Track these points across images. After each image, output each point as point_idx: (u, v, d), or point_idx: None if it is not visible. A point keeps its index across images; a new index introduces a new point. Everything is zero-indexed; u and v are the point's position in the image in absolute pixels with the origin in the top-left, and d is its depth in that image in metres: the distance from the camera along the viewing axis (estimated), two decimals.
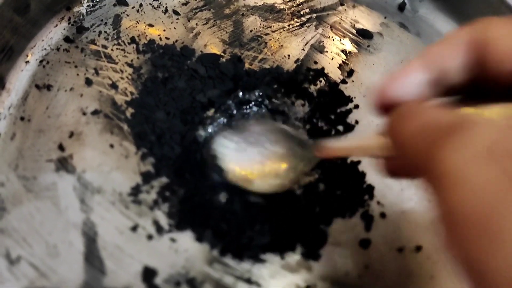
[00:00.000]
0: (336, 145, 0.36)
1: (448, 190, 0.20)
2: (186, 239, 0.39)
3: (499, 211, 0.19)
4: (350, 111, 0.46)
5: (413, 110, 0.25)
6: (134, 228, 0.39)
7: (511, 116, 0.25)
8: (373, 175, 0.43)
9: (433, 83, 0.27)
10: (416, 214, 0.42)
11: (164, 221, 0.40)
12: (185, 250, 0.39)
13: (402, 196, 0.43)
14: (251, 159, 0.41)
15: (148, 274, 0.38)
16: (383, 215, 0.42)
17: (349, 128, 0.45)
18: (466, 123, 0.21)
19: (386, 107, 0.28)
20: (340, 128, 0.45)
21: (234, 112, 0.44)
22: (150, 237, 0.39)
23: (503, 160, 0.19)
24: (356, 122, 0.46)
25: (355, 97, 0.46)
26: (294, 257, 0.40)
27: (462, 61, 0.26)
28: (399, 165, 0.30)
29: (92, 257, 0.38)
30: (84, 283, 0.37)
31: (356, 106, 0.46)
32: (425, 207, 0.43)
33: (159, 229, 0.39)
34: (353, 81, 0.47)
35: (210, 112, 0.44)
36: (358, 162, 0.44)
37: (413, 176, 0.29)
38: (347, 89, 0.47)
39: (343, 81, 0.47)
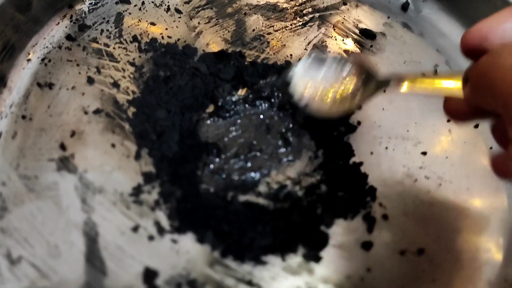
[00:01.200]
0: (415, 79, 0.35)
1: None
2: (187, 241, 0.39)
3: None
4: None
5: (509, 47, 0.25)
6: (135, 229, 0.39)
7: None
8: (375, 177, 0.43)
9: None
10: (419, 216, 0.42)
11: (165, 222, 0.39)
12: (187, 251, 0.39)
13: (404, 198, 0.43)
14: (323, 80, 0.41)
15: (149, 275, 0.38)
16: (385, 217, 0.42)
17: (351, 129, 0.45)
18: None
19: (474, 51, 0.28)
20: (342, 129, 0.45)
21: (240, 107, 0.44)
22: (151, 238, 0.39)
23: None
24: (358, 123, 0.45)
25: None
26: (295, 259, 0.40)
27: None
28: (463, 107, 0.30)
29: (93, 258, 0.38)
30: (85, 284, 0.37)
31: (359, 107, 0.46)
32: (428, 209, 0.42)
33: (160, 230, 0.39)
34: None
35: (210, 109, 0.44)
36: (360, 164, 0.44)
37: (478, 119, 0.30)
38: None
39: None
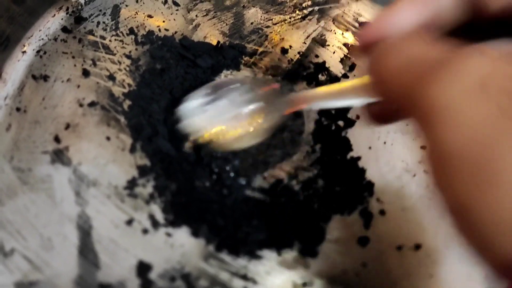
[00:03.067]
0: (314, 92, 0.34)
1: (438, 127, 0.19)
2: (181, 234, 0.39)
3: (494, 150, 0.17)
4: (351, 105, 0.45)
5: (398, 44, 0.23)
6: (130, 222, 0.39)
7: (505, 51, 0.23)
8: (373, 171, 0.43)
9: (425, 26, 0.25)
10: (416, 212, 0.42)
11: (159, 216, 0.39)
12: (181, 245, 0.38)
13: (402, 193, 0.42)
14: (218, 117, 0.39)
15: (143, 268, 0.37)
16: (382, 212, 0.41)
17: (350, 123, 0.44)
18: (456, 57, 0.20)
19: (371, 48, 0.25)
20: (341, 123, 0.44)
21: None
22: (145, 231, 0.39)
23: (498, 96, 0.18)
24: (357, 117, 0.45)
25: None
26: (291, 254, 0.39)
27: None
28: (384, 109, 0.28)
29: (87, 251, 0.38)
30: (78, 277, 0.37)
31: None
32: (426, 204, 0.42)
33: (155, 224, 0.39)
34: (354, 75, 0.47)
35: None
36: (358, 158, 0.43)
37: (398, 118, 0.28)
38: None
39: (345, 75, 0.46)
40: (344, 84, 0.31)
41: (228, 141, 0.39)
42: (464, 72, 0.19)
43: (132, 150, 0.41)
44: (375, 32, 0.25)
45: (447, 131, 0.18)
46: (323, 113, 0.44)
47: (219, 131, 0.39)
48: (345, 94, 0.31)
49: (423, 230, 0.41)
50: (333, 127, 0.44)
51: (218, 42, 0.46)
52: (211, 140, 0.39)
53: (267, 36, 0.48)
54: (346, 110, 0.45)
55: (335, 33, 0.49)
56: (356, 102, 0.31)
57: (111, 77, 0.44)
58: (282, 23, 0.49)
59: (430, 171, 0.20)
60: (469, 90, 0.18)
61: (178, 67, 0.45)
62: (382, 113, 0.29)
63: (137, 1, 0.48)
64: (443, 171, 0.19)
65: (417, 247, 0.40)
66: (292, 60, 0.47)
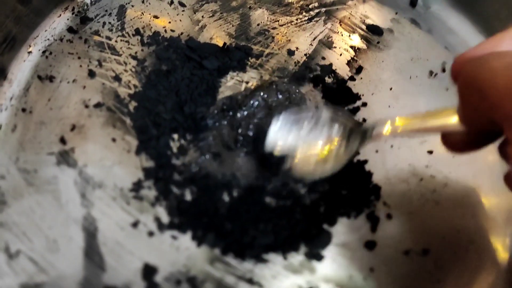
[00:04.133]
0: (403, 122, 0.33)
1: None
2: (187, 237, 0.39)
3: None
4: (358, 109, 0.45)
5: (502, 52, 0.24)
6: (135, 224, 0.39)
7: None
8: (380, 175, 0.42)
9: None
10: (423, 216, 0.41)
11: (165, 218, 0.39)
12: (187, 248, 0.38)
13: (409, 197, 0.42)
14: (304, 142, 0.39)
15: (149, 271, 0.37)
16: (389, 216, 0.41)
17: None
18: None
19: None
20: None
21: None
22: (151, 233, 0.38)
23: None
24: (364, 120, 0.44)
25: (363, 95, 0.45)
26: (297, 258, 0.39)
27: None
28: (465, 136, 0.29)
29: (92, 253, 0.38)
30: (83, 279, 0.37)
31: (364, 104, 0.45)
32: (433, 209, 0.42)
33: (161, 226, 0.39)
34: (361, 78, 0.46)
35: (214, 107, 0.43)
36: (365, 162, 0.43)
37: (479, 145, 0.28)
38: (355, 86, 0.46)
39: (351, 78, 0.46)
40: (429, 116, 0.31)
41: (312, 165, 0.38)
42: None
43: (138, 151, 0.41)
44: (476, 52, 0.26)
45: None
46: None
47: (307, 152, 0.38)
48: (431, 127, 0.31)
49: (430, 235, 0.41)
50: None
51: (224, 43, 0.46)
52: (298, 162, 0.39)
53: (273, 37, 0.47)
54: (352, 113, 0.45)
55: (342, 35, 0.49)
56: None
57: (117, 78, 0.44)
58: (289, 24, 0.48)
59: None
60: None
61: (184, 69, 0.44)
62: (463, 140, 0.29)
63: (143, 2, 0.48)
64: None
65: (425, 252, 0.40)
66: (298, 62, 0.46)
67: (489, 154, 0.44)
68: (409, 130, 0.33)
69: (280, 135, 0.39)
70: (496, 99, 0.23)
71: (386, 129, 0.34)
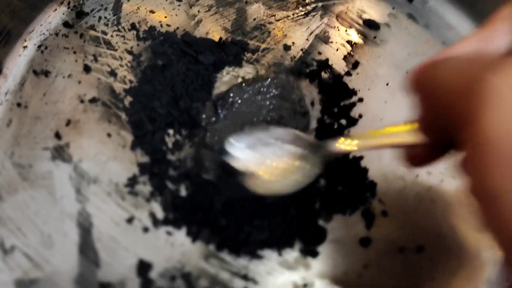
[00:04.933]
0: (359, 139, 0.34)
1: (486, 112, 0.20)
2: (182, 233, 0.39)
3: None
4: (354, 104, 0.45)
5: (453, 57, 0.25)
6: (130, 220, 0.39)
7: None
8: (376, 171, 0.42)
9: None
10: (419, 213, 0.41)
11: (160, 214, 0.39)
12: (181, 244, 0.38)
13: (404, 194, 0.42)
14: (265, 158, 0.39)
15: (143, 267, 0.37)
16: (384, 213, 0.41)
17: (352, 122, 0.44)
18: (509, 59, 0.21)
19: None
20: (343, 122, 0.44)
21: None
22: (146, 229, 0.38)
23: None
24: (360, 116, 0.44)
25: (359, 90, 0.45)
26: (292, 254, 0.39)
27: (506, 44, 0.26)
28: (424, 149, 0.29)
29: (87, 249, 0.38)
30: (78, 275, 0.37)
31: (361, 100, 0.45)
32: (428, 206, 0.42)
33: (156, 222, 0.39)
34: (358, 73, 0.46)
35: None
36: (361, 158, 0.43)
37: (437, 157, 0.29)
38: (352, 82, 0.45)
39: (348, 73, 0.46)
40: (386, 133, 0.32)
41: (269, 180, 0.38)
42: None
43: (133, 147, 0.41)
44: (429, 61, 0.26)
45: (496, 115, 0.20)
46: (326, 111, 0.44)
47: (264, 168, 0.38)
48: (389, 143, 0.31)
49: (425, 232, 0.41)
50: (336, 126, 0.44)
51: (220, 38, 0.46)
52: (256, 176, 0.38)
53: (269, 32, 0.47)
54: (348, 108, 0.44)
55: (338, 30, 0.48)
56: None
57: (113, 73, 0.44)
58: (285, 19, 0.48)
59: (470, 156, 0.21)
60: None
61: (180, 64, 0.44)
62: (422, 154, 0.29)
63: None
64: (483, 156, 0.20)
65: (419, 249, 0.40)
66: (294, 57, 0.46)
67: None
68: (366, 146, 0.34)
69: (242, 151, 0.39)
70: (448, 102, 0.23)
71: (339, 145, 0.35)
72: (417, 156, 0.30)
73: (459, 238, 0.41)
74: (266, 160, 0.38)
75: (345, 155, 0.42)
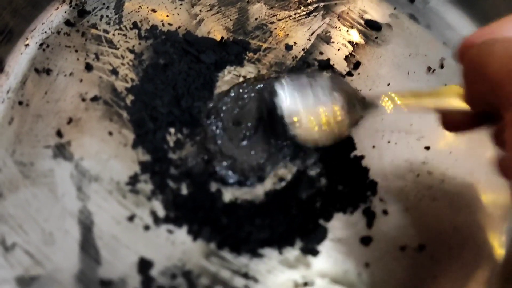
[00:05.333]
0: (403, 97, 0.34)
1: None
2: (183, 231, 0.39)
3: None
4: None
5: (506, 36, 0.25)
6: (131, 218, 0.39)
7: None
8: (376, 171, 0.42)
9: None
10: (420, 212, 0.41)
11: (161, 212, 0.39)
12: (182, 242, 0.38)
13: (405, 193, 0.42)
14: (309, 106, 0.39)
15: (144, 265, 0.37)
16: (385, 212, 0.41)
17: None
18: None
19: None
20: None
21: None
22: (147, 227, 0.38)
23: None
24: (361, 116, 0.44)
25: (361, 90, 0.45)
26: (292, 253, 0.39)
27: None
28: (464, 116, 0.30)
29: (88, 246, 0.38)
30: (79, 273, 0.37)
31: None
32: (429, 205, 0.42)
33: (157, 220, 0.39)
34: (359, 73, 0.46)
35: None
36: (362, 157, 0.43)
37: (475, 126, 0.29)
38: (353, 82, 0.46)
39: (349, 73, 0.46)
40: (432, 94, 0.31)
41: (316, 132, 0.38)
42: None
43: (134, 145, 0.41)
44: (483, 35, 0.27)
45: None
46: None
47: (313, 118, 0.38)
48: (433, 105, 0.31)
49: (426, 231, 0.41)
50: None
51: (222, 37, 0.46)
52: (307, 128, 0.38)
53: (271, 32, 0.47)
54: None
55: (340, 30, 0.48)
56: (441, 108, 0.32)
57: (114, 72, 0.44)
58: (287, 19, 0.48)
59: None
60: None
61: (182, 63, 0.44)
62: (461, 120, 0.30)
63: None
64: None
65: (421, 247, 0.40)
66: (296, 57, 0.46)
67: (487, 151, 0.44)
68: (410, 104, 0.34)
69: (288, 101, 0.39)
70: (496, 81, 0.24)
71: (387, 100, 0.35)
72: (456, 121, 0.30)
73: (460, 237, 0.41)
74: (310, 107, 0.38)
75: (346, 154, 0.42)
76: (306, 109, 0.38)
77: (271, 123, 0.41)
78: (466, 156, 0.44)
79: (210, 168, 0.41)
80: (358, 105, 0.38)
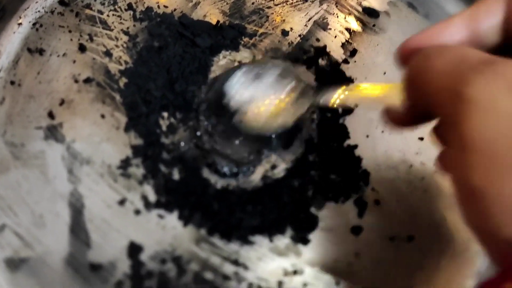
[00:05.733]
0: (346, 92, 0.35)
1: (471, 115, 0.21)
2: (174, 217, 0.39)
3: None
4: None
5: (443, 48, 0.25)
6: (122, 202, 0.39)
7: None
8: (369, 161, 0.42)
9: (468, 44, 0.27)
10: (411, 203, 0.41)
11: (152, 197, 0.39)
12: (173, 227, 0.38)
13: (397, 184, 0.42)
14: (258, 96, 0.40)
15: (134, 249, 0.37)
16: (377, 202, 0.41)
17: (348, 110, 0.44)
18: (498, 60, 0.22)
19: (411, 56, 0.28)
20: (339, 110, 0.44)
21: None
22: (137, 212, 0.38)
23: None
24: (356, 105, 0.44)
25: (356, 78, 0.45)
26: (283, 241, 0.39)
27: (499, 19, 0.26)
28: (408, 113, 0.29)
29: (78, 229, 0.38)
30: (68, 256, 0.37)
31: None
32: (420, 197, 0.42)
33: (147, 205, 0.39)
34: (355, 61, 0.46)
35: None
36: (355, 146, 0.43)
37: (419, 122, 0.29)
38: (349, 70, 0.45)
39: (345, 61, 0.46)
40: (380, 87, 0.32)
41: (266, 117, 0.39)
42: (505, 72, 0.21)
43: (127, 129, 0.41)
44: (421, 41, 0.28)
45: (480, 119, 0.21)
46: None
47: (260, 106, 0.39)
48: (379, 98, 0.32)
49: (416, 222, 0.41)
50: (331, 114, 0.44)
51: (218, 21, 0.45)
52: (253, 115, 0.39)
53: (268, 17, 0.47)
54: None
55: (337, 16, 0.48)
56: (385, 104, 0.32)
57: (108, 53, 0.43)
58: (284, 4, 0.47)
59: (454, 158, 0.23)
60: (507, 87, 0.21)
61: (177, 46, 0.44)
62: (405, 117, 0.30)
63: None
64: (468, 156, 0.21)
65: (410, 238, 0.40)
66: (292, 42, 0.46)
67: None
68: (355, 99, 0.35)
69: (237, 89, 0.40)
70: (434, 96, 0.24)
71: (335, 98, 0.35)
72: (398, 117, 0.30)
73: (450, 229, 0.41)
74: (258, 96, 0.39)
75: (339, 143, 0.42)
76: (252, 97, 0.39)
77: (218, 109, 0.41)
78: None
79: (204, 158, 0.41)
80: (309, 96, 0.39)
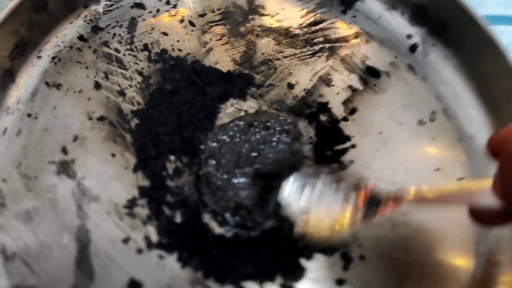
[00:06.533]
0: (429, 190, 0.33)
1: None
2: (173, 258, 0.41)
3: None
4: (346, 150, 0.47)
5: None
6: (126, 240, 0.41)
7: None
8: None
9: None
10: (395, 261, 0.44)
11: (155, 237, 0.41)
12: (172, 268, 0.41)
13: (382, 241, 0.45)
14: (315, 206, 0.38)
15: (134, 286, 0.40)
16: (362, 257, 0.44)
17: (342, 167, 0.46)
18: None
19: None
20: (334, 165, 0.46)
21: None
22: (140, 251, 0.41)
23: None
24: (351, 161, 0.46)
25: (353, 136, 0.47)
26: (272, 287, 0.42)
27: None
28: (495, 210, 0.28)
29: (83, 263, 0.40)
30: (72, 287, 0.39)
31: (353, 146, 0.47)
32: (404, 255, 0.44)
33: (149, 245, 0.41)
34: (354, 119, 0.48)
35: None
36: None
37: (508, 221, 0.28)
38: (347, 127, 0.48)
39: (345, 119, 0.48)
40: (468, 185, 0.31)
41: (326, 231, 0.38)
42: None
43: (135, 169, 0.43)
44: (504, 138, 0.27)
45: None
46: (319, 154, 0.46)
47: (319, 218, 0.38)
48: (461, 200, 0.31)
49: (398, 280, 0.43)
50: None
51: (228, 70, 0.47)
52: (310, 227, 0.38)
53: (276, 68, 0.49)
54: (341, 153, 0.47)
55: (341, 73, 0.50)
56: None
57: (122, 93, 0.45)
58: (292, 57, 0.50)
59: None
60: None
61: (187, 92, 0.46)
62: (495, 214, 0.29)
63: (154, 16, 0.49)
64: None
65: None
66: (297, 96, 0.48)
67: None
68: (436, 199, 0.33)
69: (293, 197, 0.39)
70: None
71: (407, 195, 0.34)
72: (488, 214, 0.29)
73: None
74: (316, 208, 0.38)
75: None
76: (314, 207, 0.38)
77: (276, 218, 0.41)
78: (441, 211, 0.46)
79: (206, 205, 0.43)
80: (373, 205, 0.37)
